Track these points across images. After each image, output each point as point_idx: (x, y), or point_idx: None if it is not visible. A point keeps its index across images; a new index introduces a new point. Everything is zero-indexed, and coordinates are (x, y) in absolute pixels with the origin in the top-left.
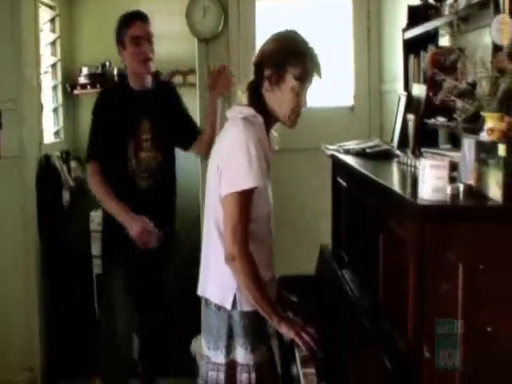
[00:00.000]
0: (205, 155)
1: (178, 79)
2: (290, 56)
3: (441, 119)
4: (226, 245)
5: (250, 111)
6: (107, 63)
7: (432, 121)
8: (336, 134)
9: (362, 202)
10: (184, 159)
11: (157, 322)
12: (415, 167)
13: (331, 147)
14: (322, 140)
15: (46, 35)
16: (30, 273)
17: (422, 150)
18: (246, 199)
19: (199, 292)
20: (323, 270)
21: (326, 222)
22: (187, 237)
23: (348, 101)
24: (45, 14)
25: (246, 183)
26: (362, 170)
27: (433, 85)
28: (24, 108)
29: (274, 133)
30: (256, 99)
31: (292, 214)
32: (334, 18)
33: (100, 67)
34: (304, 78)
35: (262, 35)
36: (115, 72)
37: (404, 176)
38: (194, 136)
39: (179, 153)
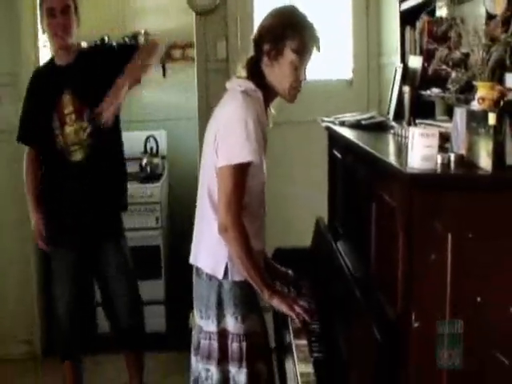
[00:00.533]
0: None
1: (176, 53)
2: (288, 30)
3: (435, 90)
4: (219, 216)
5: (250, 85)
6: (106, 38)
7: (427, 92)
8: (334, 108)
9: (355, 173)
10: (183, 131)
11: (120, 291)
12: (405, 137)
13: (327, 119)
14: (320, 113)
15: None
16: (28, 263)
17: (418, 121)
18: (241, 172)
19: (191, 260)
20: (319, 242)
21: (322, 195)
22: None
23: (346, 74)
24: None
25: (242, 157)
26: (356, 141)
27: (428, 55)
28: (22, 82)
29: (272, 109)
30: (256, 74)
31: (288, 187)
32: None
33: (99, 41)
34: (302, 52)
35: (261, 8)
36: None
37: (398, 147)
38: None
39: (180, 125)
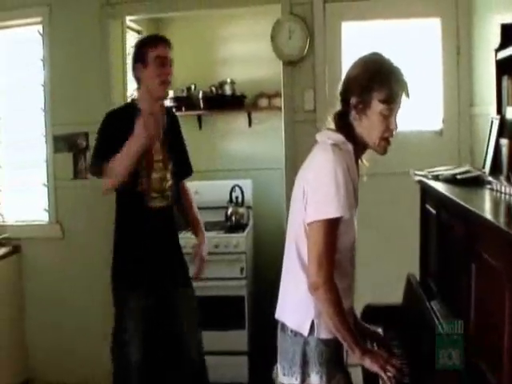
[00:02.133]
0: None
1: (262, 102)
2: (374, 80)
3: None
4: (309, 273)
5: (340, 137)
6: (192, 86)
7: None
8: (424, 159)
9: (452, 230)
10: (269, 181)
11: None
12: (510, 195)
13: (420, 173)
14: (410, 165)
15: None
16: None
17: None
18: (332, 228)
19: (276, 316)
20: (410, 299)
21: (413, 250)
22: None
23: (436, 125)
24: (132, 39)
25: (333, 212)
26: (454, 198)
27: None
28: None
29: (364, 161)
30: (344, 127)
31: (378, 241)
32: (422, 38)
33: (185, 90)
34: (391, 100)
35: (349, 57)
36: (200, 95)
37: (498, 204)
38: (184, 174)
39: (266, 175)
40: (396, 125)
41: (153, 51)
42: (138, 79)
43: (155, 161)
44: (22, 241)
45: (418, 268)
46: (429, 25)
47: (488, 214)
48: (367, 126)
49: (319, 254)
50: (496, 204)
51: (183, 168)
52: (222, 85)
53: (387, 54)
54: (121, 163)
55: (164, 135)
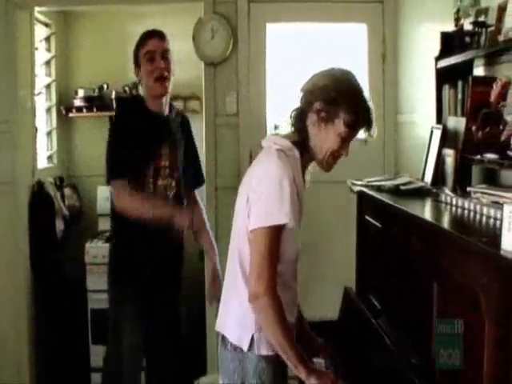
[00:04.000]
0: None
1: (178, 105)
2: (345, 99)
3: (490, 156)
4: (249, 282)
5: (287, 143)
6: (105, 86)
7: (477, 157)
8: (349, 168)
9: (404, 244)
10: None
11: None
12: (461, 207)
13: (358, 182)
14: (335, 174)
15: (41, 54)
16: (20, 306)
17: (472, 189)
18: (275, 235)
19: (217, 328)
20: (350, 315)
21: (344, 261)
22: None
23: (361, 133)
24: (40, 32)
25: (276, 218)
26: (406, 209)
27: (473, 118)
28: (17, 131)
29: (310, 170)
30: (299, 129)
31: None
32: (348, 43)
33: (97, 90)
34: (354, 127)
35: (272, 59)
36: (113, 95)
37: (455, 217)
38: (195, 183)
39: None
40: (347, 152)
41: (142, 49)
42: (139, 82)
43: (162, 167)
44: None
45: (354, 281)
46: (355, 30)
47: (449, 226)
48: (322, 138)
49: (260, 262)
50: (453, 217)
51: (194, 177)
52: (135, 84)
53: (312, 57)
54: (138, 211)
55: (172, 139)
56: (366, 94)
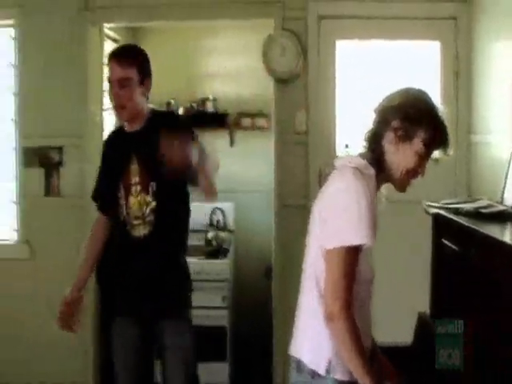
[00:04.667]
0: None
1: (246, 121)
2: (424, 118)
3: None
4: (325, 303)
5: (362, 161)
6: (172, 101)
7: None
8: (420, 188)
9: (485, 268)
10: (252, 204)
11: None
12: None
13: (434, 204)
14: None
15: None
16: (86, 321)
17: None
18: (352, 256)
19: (292, 352)
20: (423, 340)
21: (420, 286)
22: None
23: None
24: (109, 48)
25: (354, 238)
26: (492, 234)
27: None
28: (86, 145)
29: (382, 191)
30: (374, 150)
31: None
32: (420, 61)
33: (165, 106)
34: (432, 146)
35: (343, 77)
36: (180, 111)
37: None
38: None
39: (249, 198)
40: (424, 172)
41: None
42: None
43: (132, 184)
44: None
45: (428, 305)
46: (427, 47)
47: None
48: (399, 157)
49: (336, 282)
50: None
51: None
52: (203, 101)
53: (383, 75)
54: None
55: (141, 153)
56: (442, 113)
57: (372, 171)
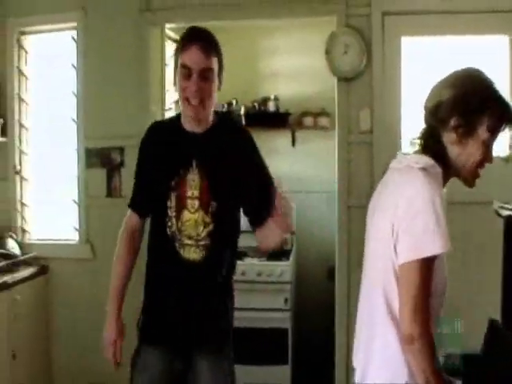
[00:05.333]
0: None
1: (308, 121)
2: (487, 103)
3: None
4: (402, 323)
5: (429, 160)
6: (233, 101)
7: None
8: (489, 187)
9: None
10: (314, 205)
11: None
12: None
13: (507, 206)
14: (474, 193)
15: (171, 71)
16: None
17: None
18: (429, 267)
19: (358, 380)
20: (496, 349)
21: (485, 289)
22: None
23: (503, 150)
24: (170, 49)
25: (432, 248)
26: None
27: None
28: None
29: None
30: (435, 149)
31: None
32: (488, 57)
33: (226, 105)
34: (497, 129)
35: (408, 74)
36: (242, 111)
37: None
38: (262, 217)
39: (310, 198)
40: (492, 158)
41: (182, 55)
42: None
43: (188, 197)
44: (50, 261)
45: (500, 313)
46: (496, 42)
47: None
48: (465, 153)
49: (414, 300)
50: None
51: (256, 212)
52: (265, 101)
53: (450, 72)
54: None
55: (205, 163)
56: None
57: (439, 170)
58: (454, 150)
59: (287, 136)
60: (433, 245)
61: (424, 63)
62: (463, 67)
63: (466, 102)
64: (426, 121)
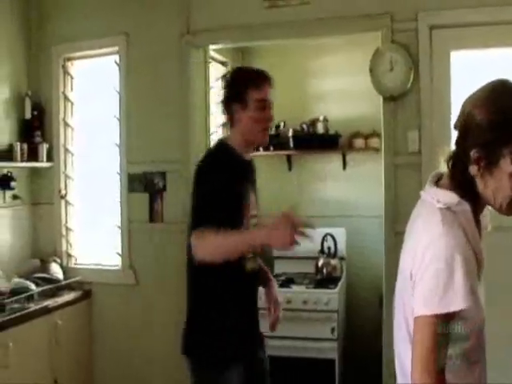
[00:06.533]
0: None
1: (359, 142)
2: (504, 131)
3: None
4: (413, 374)
5: (453, 197)
6: (282, 124)
7: None
8: None
9: None
10: (364, 230)
11: None
12: None
13: None
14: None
15: (218, 93)
16: None
17: None
18: (443, 324)
19: None
20: None
21: None
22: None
23: None
24: (216, 71)
25: (443, 306)
26: None
27: None
28: (190, 171)
29: (486, 213)
30: (460, 179)
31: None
32: None
33: (274, 128)
34: None
35: (459, 92)
36: (290, 133)
37: None
38: None
39: (361, 223)
40: None
41: (254, 92)
42: (231, 118)
43: (251, 216)
44: (94, 285)
45: None
46: None
47: None
48: (491, 188)
49: (425, 355)
50: None
51: None
52: (313, 122)
53: None
54: (220, 251)
55: (254, 185)
56: None
57: (467, 206)
58: (480, 185)
59: (338, 159)
60: (443, 302)
61: (475, 78)
62: (498, 80)
63: (482, 132)
64: (456, 147)
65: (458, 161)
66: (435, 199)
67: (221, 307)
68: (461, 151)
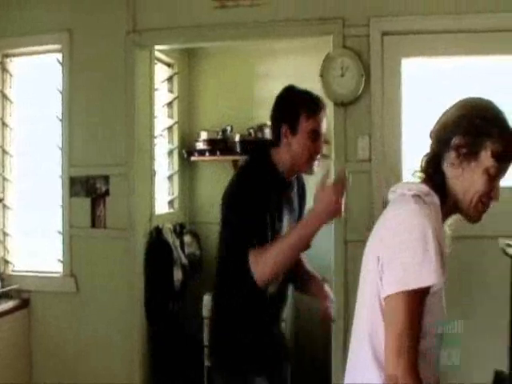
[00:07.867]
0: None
1: None
2: (492, 124)
3: None
4: (387, 363)
5: (423, 187)
6: (228, 128)
7: None
8: (496, 221)
9: None
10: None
11: None
12: None
13: None
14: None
15: (163, 95)
16: (133, 358)
17: None
18: (417, 302)
19: None
20: None
21: (490, 337)
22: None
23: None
24: (161, 72)
25: (419, 280)
26: None
27: None
28: (134, 174)
29: (447, 228)
30: (433, 175)
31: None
32: (498, 79)
33: (220, 132)
34: (506, 158)
35: (410, 99)
36: (237, 138)
37: None
38: None
39: None
40: (498, 195)
41: (308, 122)
42: (278, 138)
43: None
44: (32, 294)
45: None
46: (507, 63)
47: None
48: (465, 179)
49: (399, 336)
50: None
51: None
52: (261, 127)
53: (456, 96)
54: (280, 259)
55: (292, 208)
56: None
57: (436, 199)
58: (452, 173)
59: None
60: (419, 277)
61: (426, 86)
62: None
63: (469, 121)
64: (430, 148)
65: (432, 161)
66: (406, 189)
67: (243, 327)
68: (438, 145)
